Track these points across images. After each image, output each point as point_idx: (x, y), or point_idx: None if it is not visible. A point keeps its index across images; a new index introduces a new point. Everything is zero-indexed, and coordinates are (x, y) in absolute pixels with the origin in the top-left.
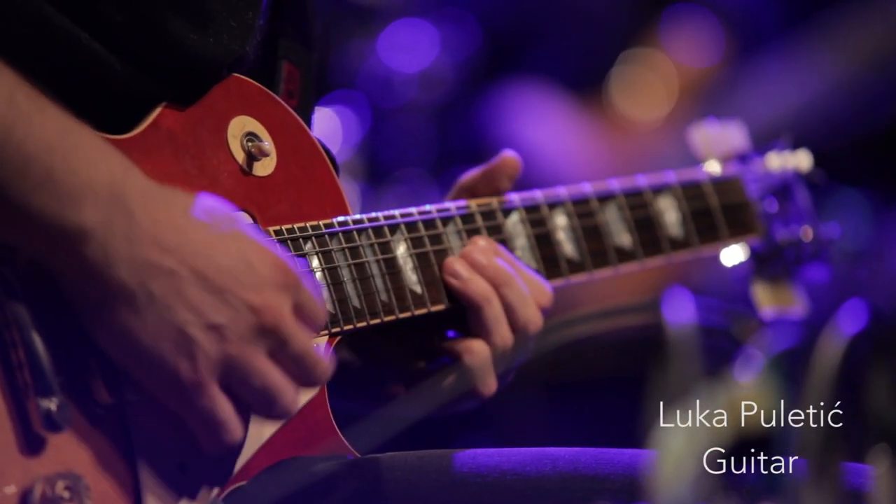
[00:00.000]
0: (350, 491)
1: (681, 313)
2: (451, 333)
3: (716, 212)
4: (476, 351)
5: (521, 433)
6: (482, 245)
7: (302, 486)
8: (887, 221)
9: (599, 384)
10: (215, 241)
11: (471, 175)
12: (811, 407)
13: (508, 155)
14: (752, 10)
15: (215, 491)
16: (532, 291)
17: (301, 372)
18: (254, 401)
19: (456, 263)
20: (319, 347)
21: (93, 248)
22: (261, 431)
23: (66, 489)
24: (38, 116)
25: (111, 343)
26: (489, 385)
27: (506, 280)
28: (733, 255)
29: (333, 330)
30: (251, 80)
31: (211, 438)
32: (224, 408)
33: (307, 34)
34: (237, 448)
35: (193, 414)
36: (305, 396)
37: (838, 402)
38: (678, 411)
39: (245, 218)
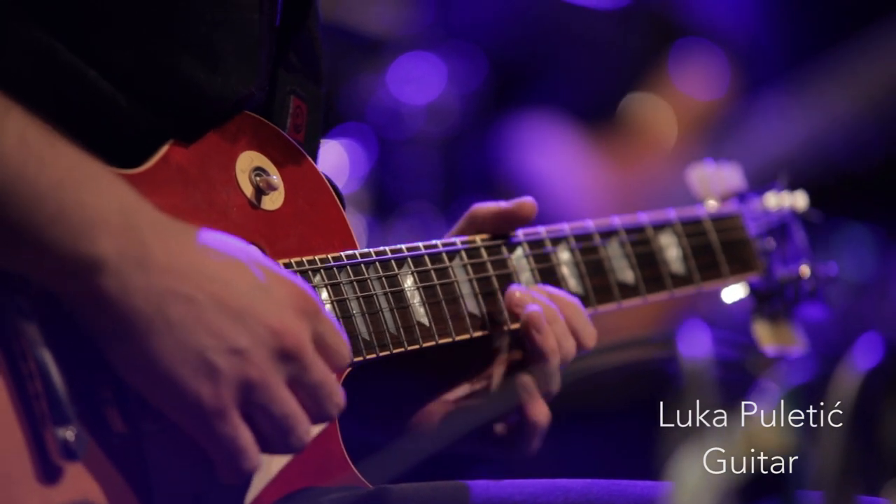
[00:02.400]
0: None
1: (696, 346)
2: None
3: (716, 248)
4: (541, 410)
5: (531, 464)
6: (553, 294)
7: None
8: (891, 255)
9: (608, 415)
10: (231, 267)
11: (485, 208)
12: (826, 440)
13: (527, 202)
14: (758, 46)
15: None
16: (581, 331)
17: (317, 402)
18: (271, 430)
19: (531, 311)
20: (335, 379)
21: (108, 279)
22: (272, 462)
23: None
24: (49, 153)
25: (131, 372)
26: (541, 411)
27: (563, 333)
28: (733, 292)
29: None
30: (259, 117)
31: (230, 466)
32: (245, 435)
33: (315, 69)
34: (247, 483)
35: (214, 441)
36: (317, 427)
37: (854, 435)
38: (694, 444)
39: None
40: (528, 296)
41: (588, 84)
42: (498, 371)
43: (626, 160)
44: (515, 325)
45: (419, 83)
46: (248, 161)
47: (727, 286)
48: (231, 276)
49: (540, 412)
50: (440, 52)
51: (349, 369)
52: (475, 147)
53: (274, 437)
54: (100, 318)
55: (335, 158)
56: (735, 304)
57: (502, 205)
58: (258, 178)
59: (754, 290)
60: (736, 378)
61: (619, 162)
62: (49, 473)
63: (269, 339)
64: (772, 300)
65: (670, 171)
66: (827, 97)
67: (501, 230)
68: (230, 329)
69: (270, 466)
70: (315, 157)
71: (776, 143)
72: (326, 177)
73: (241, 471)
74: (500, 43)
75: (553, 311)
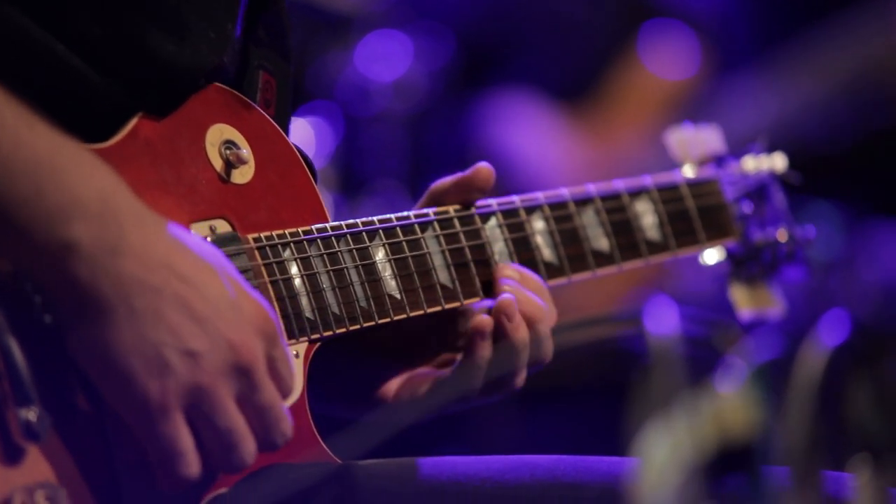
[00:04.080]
0: (330, 498)
1: (663, 323)
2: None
3: (693, 214)
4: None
5: (496, 442)
6: (511, 272)
7: (283, 493)
8: (859, 233)
9: (574, 393)
10: (202, 271)
11: (442, 183)
12: (793, 416)
13: (482, 167)
14: (729, 26)
15: (196, 499)
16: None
17: (264, 426)
18: (214, 443)
19: (510, 307)
20: (284, 406)
21: (78, 263)
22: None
23: (46, 499)
24: (26, 132)
25: (86, 357)
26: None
27: (540, 317)
28: (710, 256)
29: (313, 336)
30: (229, 89)
31: (168, 470)
32: (185, 439)
33: (283, 45)
34: (190, 485)
35: (154, 440)
36: (287, 400)
37: (819, 412)
38: (661, 421)
39: (225, 226)
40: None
41: (557, 63)
42: (469, 344)
43: (597, 139)
44: (488, 298)
45: (386, 60)
46: (217, 134)
47: (703, 252)
48: (200, 280)
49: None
50: (408, 30)
51: (318, 344)
52: (443, 125)
53: (216, 451)
54: (65, 301)
55: (302, 135)
56: (704, 275)
57: (458, 175)
58: (228, 152)
59: (731, 255)
60: (703, 355)
61: (590, 140)
62: (11, 454)
63: (225, 350)
64: (748, 264)
65: (641, 149)
66: (797, 77)
67: (463, 199)
68: (189, 331)
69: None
70: (286, 131)
71: (746, 123)
72: (299, 149)
73: (178, 476)
74: (468, 21)
75: (526, 297)
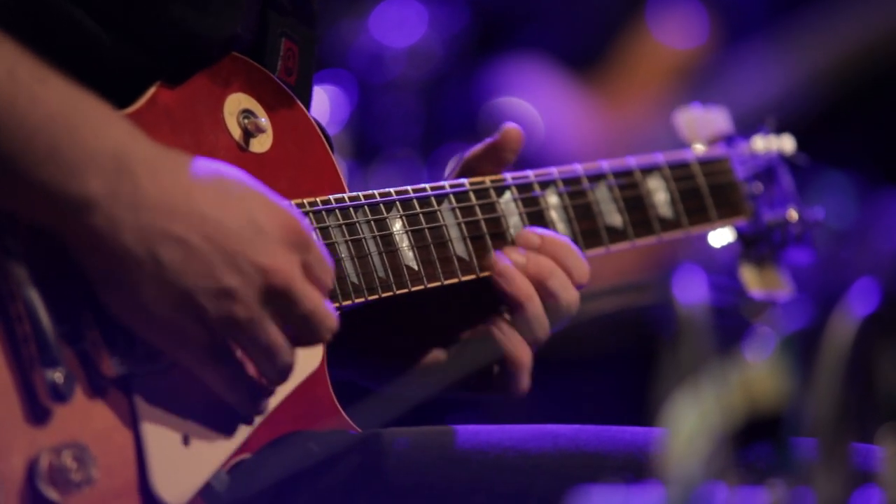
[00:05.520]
0: (352, 466)
1: (691, 292)
2: (468, 309)
3: (704, 192)
4: (521, 347)
5: (520, 411)
6: (526, 237)
7: (304, 460)
8: (872, 203)
9: (598, 362)
10: (224, 203)
11: (474, 150)
12: (821, 386)
13: (510, 127)
14: None
15: (218, 464)
16: (574, 269)
17: (309, 330)
18: (260, 359)
19: (500, 263)
20: (326, 304)
21: (99, 218)
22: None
23: (73, 459)
24: (40, 88)
25: (123, 312)
26: (524, 352)
27: (548, 273)
28: (721, 236)
29: (333, 305)
30: (247, 58)
31: (229, 398)
32: (238, 371)
33: (307, 11)
34: (236, 425)
35: (210, 379)
36: (307, 367)
37: (848, 382)
38: (689, 390)
39: None
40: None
41: (568, 31)
42: (487, 316)
43: (607, 107)
44: None
45: (401, 27)
46: (236, 103)
47: (715, 230)
48: (223, 213)
49: (522, 353)
50: None
51: (338, 313)
52: (457, 92)
53: (263, 366)
54: (92, 258)
55: (316, 102)
56: (722, 248)
57: (488, 141)
58: (246, 121)
59: (741, 234)
60: (731, 324)
61: (600, 108)
62: (38, 415)
63: (258, 278)
64: (758, 244)
65: (651, 118)
66: (807, 46)
67: (497, 162)
68: (220, 270)
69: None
70: (308, 100)
71: (755, 93)
72: (315, 120)
73: (241, 401)
74: None
75: (535, 258)
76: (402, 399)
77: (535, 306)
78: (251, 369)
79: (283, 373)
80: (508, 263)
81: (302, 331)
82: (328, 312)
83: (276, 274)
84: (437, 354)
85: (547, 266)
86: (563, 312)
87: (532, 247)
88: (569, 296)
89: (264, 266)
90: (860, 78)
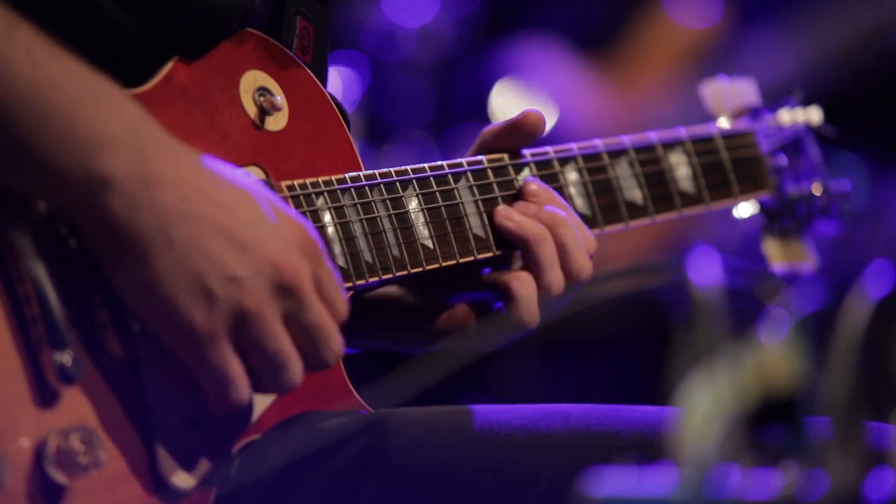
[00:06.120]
0: (362, 446)
1: (705, 273)
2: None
3: (727, 167)
4: (524, 279)
5: (530, 393)
6: (534, 188)
7: (314, 441)
8: (884, 185)
9: (610, 343)
10: (238, 196)
11: (492, 128)
12: (836, 367)
13: (531, 111)
14: None
15: (228, 446)
16: (582, 238)
17: (313, 345)
18: (262, 366)
19: (509, 208)
20: (334, 323)
21: (115, 197)
22: (265, 397)
23: (81, 442)
24: (56, 69)
25: (130, 292)
26: (534, 317)
27: (560, 222)
28: (744, 209)
29: (346, 285)
30: (264, 36)
31: (219, 396)
32: (235, 365)
33: None
34: (245, 407)
35: (205, 368)
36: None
37: (863, 363)
38: (703, 372)
39: (258, 173)
40: (515, 211)
41: (581, 11)
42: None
43: (621, 87)
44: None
45: (413, 7)
46: (251, 81)
47: (737, 205)
48: (237, 205)
49: (532, 317)
50: None
51: (352, 293)
52: (469, 73)
53: (264, 373)
54: (104, 237)
55: (328, 82)
56: (746, 225)
57: (508, 120)
58: (262, 99)
59: (765, 208)
60: (746, 305)
61: (614, 89)
62: (46, 397)
63: (269, 271)
64: (783, 217)
65: (665, 98)
66: (820, 26)
67: (513, 145)
68: (230, 256)
69: (267, 397)
70: (324, 78)
71: (768, 73)
72: (332, 97)
73: (229, 401)
74: None
75: (546, 207)
76: (416, 379)
77: (547, 248)
78: (243, 373)
79: (283, 385)
80: (517, 207)
81: (307, 343)
82: (335, 333)
83: (287, 271)
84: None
85: (558, 216)
86: (574, 275)
87: (541, 199)
88: (581, 257)
89: (275, 261)
90: (872, 59)
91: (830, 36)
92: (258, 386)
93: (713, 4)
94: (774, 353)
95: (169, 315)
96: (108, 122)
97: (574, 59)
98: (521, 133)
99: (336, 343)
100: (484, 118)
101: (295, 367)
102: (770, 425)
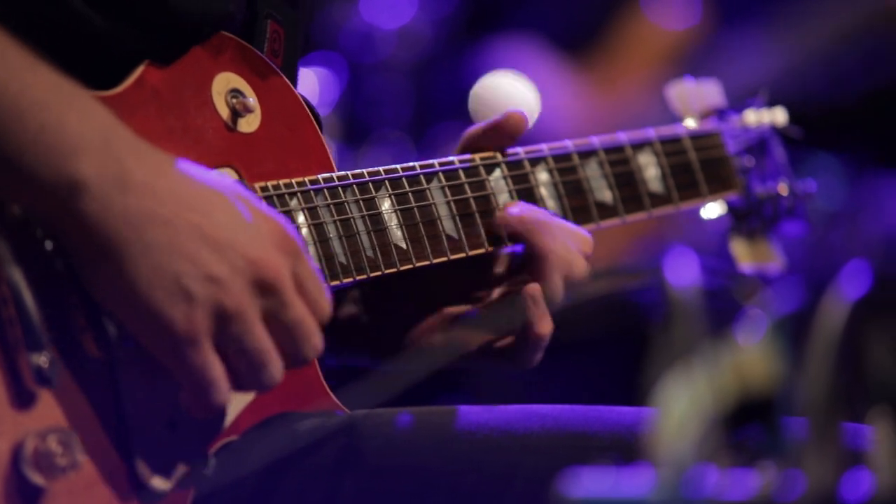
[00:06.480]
0: (340, 446)
1: (683, 274)
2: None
3: (695, 167)
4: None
5: (505, 395)
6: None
7: (291, 442)
8: (862, 185)
9: (586, 344)
10: (211, 198)
11: (475, 129)
12: (812, 368)
13: (513, 112)
14: None
15: (205, 447)
16: (577, 241)
17: (294, 342)
18: (243, 364)
19: (517, 211)
20: (314, 321)
21: (88, 201)
22: (242, 397)
23: (58, 444)
24: (29, 74)
25: (108, 296)
26: (547, 323)
27: (546, 217)
28: (712, 210)
29: None
30: (236, 38)
31: (199, 398)
32: (216, 367)
33: None
34: (224, 408)
35: (185, 370)
36: None
37: (839, 364)
38: (680, 372)
39: (232, 175)
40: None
41: (560, 12)
42: (495, 291)
43: (600, 88)
44: (490, 248)
45: (391, 8)
46: (224, 83)
47: (705, 205)
48: (211, 207)
49: (545, 324)
50: None
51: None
52: (447, 73)
53: (245, 372)
54: (79, 241)
55: (306, 82)
56: (714, 225)
57: (490, 120)
58: (234, 100)
59: (732, 208)
60: (723, 306)
61: (593, 90)
62: (22, 399)
63: (247, 269)
64: (750, 218)
65: (644, 99)
66: (800, 28)
67: (495, 145)
68: (207, 257)
69: (247, 395)
70: (294, 82)
71: (748, 74)
72: (304, 99)
73: (209, 403)
74: None
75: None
76: (393, 380)
77: (557, 257)
78: (223, 375)
79: (264, 383)
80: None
81: (287, 341)
82: (316, 330)
83: (266, 268)
84: (428, 331)
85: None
86: (573, 279)
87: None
88: (580, 262)
89: (254, 259)
90: (851, 61)
91: (810, 37)
92: (238, 384)
93: (692, 6)
94: (751, 354)
95: (148, 317)
96: (81, 126)
97: (553, 60)
98: (502, 133)
99: (317, 339)
100: (463, 118)
101: (275, 365)
102: (747, 425)
